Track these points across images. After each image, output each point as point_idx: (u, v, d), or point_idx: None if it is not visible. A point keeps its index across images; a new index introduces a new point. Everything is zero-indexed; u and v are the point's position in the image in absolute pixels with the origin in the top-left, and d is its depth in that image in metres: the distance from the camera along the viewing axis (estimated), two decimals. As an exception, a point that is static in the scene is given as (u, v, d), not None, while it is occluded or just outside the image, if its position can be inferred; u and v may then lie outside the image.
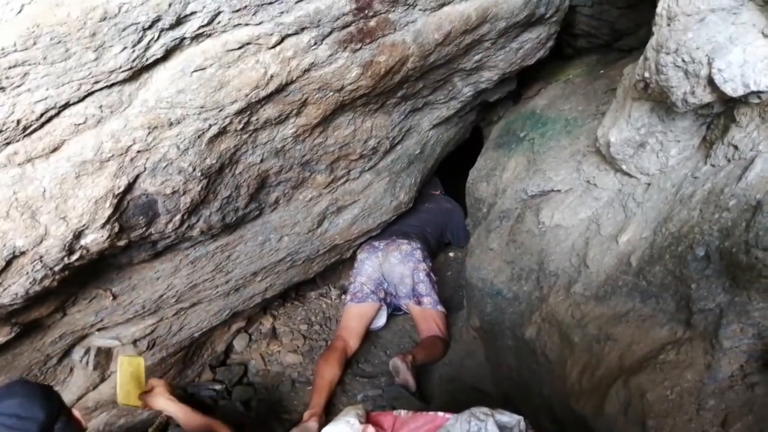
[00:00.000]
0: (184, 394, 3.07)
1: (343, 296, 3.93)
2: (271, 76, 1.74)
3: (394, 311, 3.53)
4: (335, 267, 3.98)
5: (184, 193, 1.92)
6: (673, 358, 1.43)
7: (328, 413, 2.81)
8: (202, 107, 1.68)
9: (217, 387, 3.14)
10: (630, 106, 1.98)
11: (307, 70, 1.84)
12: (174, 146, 1.75)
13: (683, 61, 1.47)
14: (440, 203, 4.11)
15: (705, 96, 1.49)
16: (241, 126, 1.88)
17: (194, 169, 1.87)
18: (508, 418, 1.45)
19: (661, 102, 1.79)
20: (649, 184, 2.02)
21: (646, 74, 1.65)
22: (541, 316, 2.24)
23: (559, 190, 2.61)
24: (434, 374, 3.10)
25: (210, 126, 1.77)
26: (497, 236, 2.92)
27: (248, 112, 1.85)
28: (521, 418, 1.45)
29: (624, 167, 2.10)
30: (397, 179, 3.06)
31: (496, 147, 3.52)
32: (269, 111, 1.92)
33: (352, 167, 2.66)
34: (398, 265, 3.34)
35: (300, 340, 3.46)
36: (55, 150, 1.51)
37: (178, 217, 2.00)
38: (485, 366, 2.88)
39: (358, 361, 3.30)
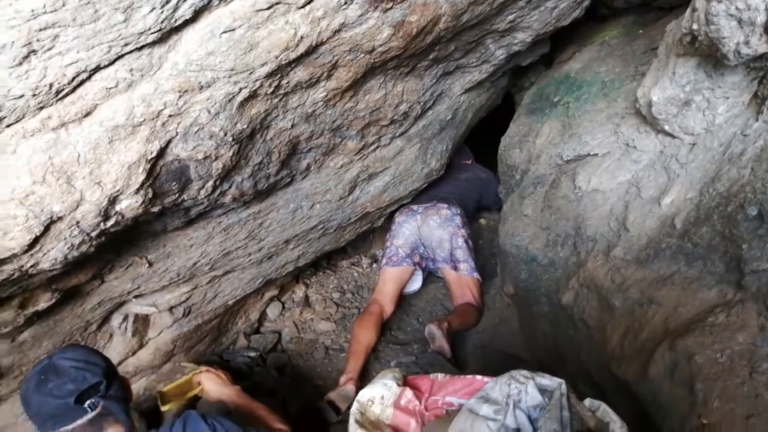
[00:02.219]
0: (219, 361, 3.12)
1: (374, 265, 3.93)
2: (301, 37, 1.69)
3: (428, 276, 3.54)
4: (366, 236, 3.98)
5: (216, 158, 1.91)
6: (723, 320, 1.38)
7: (363, 378, 2.82)
8: (232, 70, 1.65)
9: (252, 354, 3.18)
10: (674, 63, 1.89)
11: (337, 31, 1.79)
12: (205, 110, 1.73)
13: (737, 8, 1.38)
14: (476, 172, 4.10)
15: (761, 46, 1.41)
16: (271, 90, 1.85)
17: (225, 134, 1.85)
18: (548, 381, 1.42)
19: (709, 56, 1.71)
20: (693, 144, 1.94)
21: (695, 26, 1.57)
22: (579, 281, 2.20)
23: (596, 154, 2.53)
24: (468, 341, 3.09)
25: (240, 89, 1.75)
26: (531, 202, 2.86)
27: (278, 75, 1.81)
28: (562, 381, 1.42)
29: (667, 127, 2.02)
30: (428, 146, 3.01)
31: (528, 113, 3.44)
32: (300, 74, 1.89)
33: (383, 133, 2.62)
34: (437, 229, 3.34)
35: (333, 308, 3.48)
36: (87, 114, 1.50)
37: (211, 182, 1.99)
38: (519, 333, 2.86)
39: (391, 328, 3.31)
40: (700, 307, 1.49)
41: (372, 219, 3.29)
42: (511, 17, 2.34)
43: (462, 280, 3.24)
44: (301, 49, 1.74)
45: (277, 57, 1.71)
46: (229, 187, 2.13)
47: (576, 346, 2.15)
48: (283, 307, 3.54)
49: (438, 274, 3.46)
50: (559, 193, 2.68)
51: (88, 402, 1.47)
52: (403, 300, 3.37)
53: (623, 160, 2.33)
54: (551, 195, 2.73)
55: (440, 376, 1.60)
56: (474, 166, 4.19)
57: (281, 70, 1.79)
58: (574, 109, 2.85)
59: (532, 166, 3.09)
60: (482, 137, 4.40)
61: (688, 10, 1.63)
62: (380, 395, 1.48)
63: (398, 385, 1.51)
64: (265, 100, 1.90)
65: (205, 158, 1.88)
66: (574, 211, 2.50)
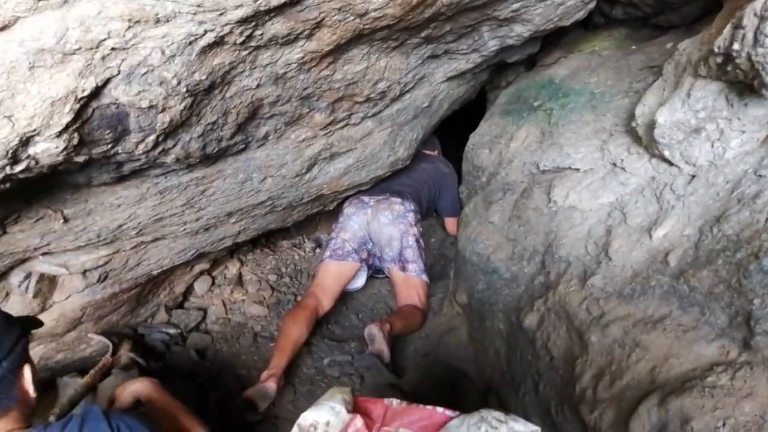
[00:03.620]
0: (133, 335, 2.79)
1: (317, 249, 3.66)
2: (288, -19, 1.42)
3: (374, 274, 3.28)
4: (312, 218, 3.71)
5: (164, 110, 1.60)
6: (726, 383, 1.22)
7: (289, 375, 2.58)
8: (199, 6, 1.35)
9: (171, 331, 2.88)
10: (690, 85, 1.72)
11: (330, -17, 1.52)
12: (158, 50, 1.42)
13: (798, 33, 1.21)
14: (437, 165, 3.79)
15: (817, 80, 1.24)
16: (242, 39, 1.56)
17: (179, 83, 1.55)
18: (523, 427, 1.22)
19: (737, 83, 1.55)
20: (693, 176, 1.79)
21: (735, 46, 1.39)
22: (546, 304, 2.02)
23: (577, 169, 2.37)
24: (409, 346, 2.88)
25: (205, 32, 1.45)
26: (499, 209, 2.68)
27: (253, 23, 1.52)
28: (538, 429, 1.23)
29: (666, 153, 1.86)
30: (399, 132, 2.77)
31: (503, 113, 3.26)
32: (278, 26, 1.60)
33: (355, 110, 2.35)
34: (388, 226, 3.07)
35: (267, 291, 3.20)
36: (4, 28, 1.17)
37: (153, 137, 1.68)
38: (467, 346, 2.68)
39: (328, 321, 3.07)
40: (697, 362, 1.33)
41: (325, 202, 3.03)
42: (515, 6, 2.13)
43: (409, 282, 3.03)
44: (286, -5, 1.46)
45: (255, 0, 1.42)
46: (174, 146, 1.83)
47: (534, 374, 1.98)
48: (213, 283, 3.23)
49: (386, 273, 3.21)
50: (531, 204, 2.50)
51: None
52: (343, 293, 3.12)
53: (608, 179, 2.17)
54: (521, 205, 2.56)
55: (395, 402, 1.38)
56: (437, 158, 3.90)
57: (258, 18, 1.51)
58: (558, 117, 2.68)
59: (503, 170, 2.91)
60: (447, 130, 4.21)
61: (728, 27, 1.45)
62: (325, 421, 1.24)
63: (348, 410, 1.27)
64: (232, 51, 1.61)
65: (150, 107, 1.57)
66: (545, 226, 2.33)
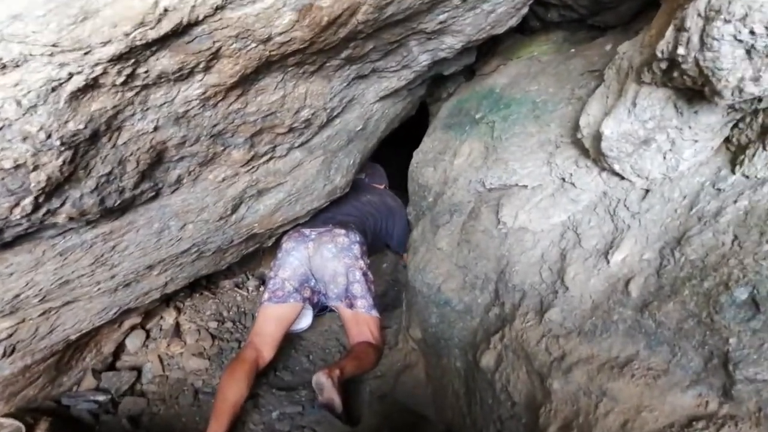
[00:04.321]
0: (56, 408, 2.50)
1: (261, 288, 3.41)
2: (165, 10, 1.20)
3: (320, 311, 3.05)
4: (255, 253, 3.46)
5: (35, 168, 1.36)
6: (709, 443, 1.05)
7: (234, 438, 2.33)
8: (54, 46, 1.12)
9: (100, 398, 2.58)
10: (635, 93, 1.57)
11: (220, 8, 1.31)
12: (11, 101, 1.18)
13: (751, 33, 1.05)
14: (383, 198, 3.57)
15: (776, 85, 1.09)
16: (122, 79, 1.33)
17: (49, 136, 1.31)
18: None
19: (685, 89, 1.39)
20: (647, 191, 1.64)
21: (680, 50, 1.24)
22: (503, 342, 1.84)
23: (525, 186, 2.20)
24: (364, 388, 2.66)
25: (71, 75, 1.22)
26: (446, 234, 2.49)
27: (132, 61, 1.30)
28: None
29: (616, 167, 1.71)
30: (333, 159, 2.56)
31: (445, 128, 3.09)
32: (165, 62, 1.38)
33: (279, 142, 2.14)
34: (332, 261, 2.84)
35: (207, 341, 2.93)
36: None
37: (29, 199, 1.43)
38: (425, 385, 2.47)
39: (276, 368, 2.82)
40: (673, 416, 1.16)
41: (261, 240, 2.79)
42: (442, 17, 1.95)
43: (359, 318, 2.80)
44: (166, 27, 1.24)
45: (127, 35, 1.20)
46: (62, 205, 1.58)
47: (496, 420, 1.79)
48: (148, 337, 2.95)
49: (333, 309, 2.98)
50: (479, 226, 2.33)
51: None
52: (289, 336, 2.87)
53: (558, 197, 2.01)
54: (470, 227, 2.38)
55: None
56: (385, 192, 3.68)
57: (136, 54, 1.28)
58: (500, 130, 2.51)
59: (448, 189, 2.73)
60: (390, 149, 4.02)
61: (670, 29, 1.29)
62: None
63: None
64: (112, 93, 1.37)
65: (16, 167, 1.32)
66: (497, 250, 2.16)
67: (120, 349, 2.87)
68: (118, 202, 1.75)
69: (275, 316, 2.68)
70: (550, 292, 1.76)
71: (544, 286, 1.81)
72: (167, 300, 3.09)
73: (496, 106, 2.70)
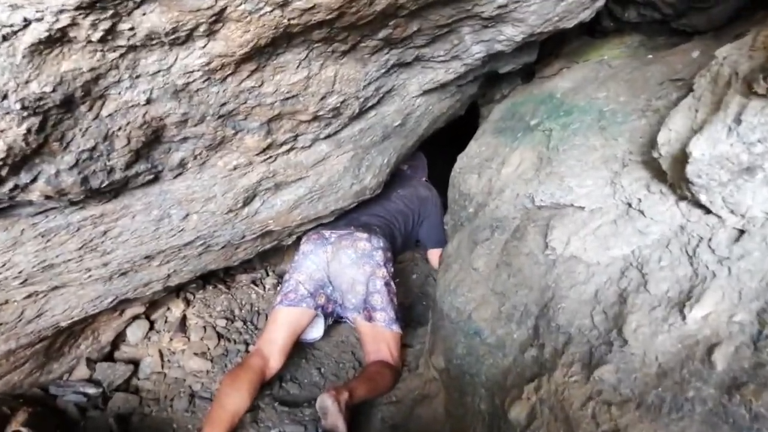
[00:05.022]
0: (42, 397, 2.31)
1: (279, 287, 3.16)
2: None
3: (336, 321, 2.77)
4: (277, 248, 3.22)
5: (-10, 135, 1.13)
6: None
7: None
8: (-1, -19, 0.88)
9: (90, 390, 2.39)
10: (740, 107, 1.24)
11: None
12: (-53, 49, 0.95)
13: None
14: (417, 189, 3.25)
15: None
16: (98, 35, 1.08)
17: (4, 97, 1.07)
18: None
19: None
20: (742, 231, 1.30)
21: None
22: (539, 393, 1.53)
23: (581, 207, 1.88)
24: (375, 413, 2.37)
25: (27, 22, 0.97)
26: (485, 252, 2.18)
27: (110, 12, 1.05)
28: None
29: (703, 197, 1.37)
30: (364, 156, 2.28)
31: (495, 132, 2.78)
32: (154, 19, 1.12)
33: (302, 131, 1.87)
34: (350, 267, 2.57)
35: (213, 340, 2.70)
36: None
37: (-13, 172, 1.20)
38: (443, 421, 2.17)
39: (283, 378, 2.57)
40: None
41: (278, 237, 2.54)
42: (503, 0, 1.65)
43: (378, 333, 2.52)
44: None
45: (99, -25, 0.95)
46: (33, 180, 1.35)
47: (523, 487, 1.48)
48: (152, 328, 2.74)
49: (350, 322, 2.70)
50: (523, 248, 2.01)
51: None
52: (301, 343, 2.61)
53: (621, 225, 1.68)
54: (512, 248, 2.07)
55: None
56: (418, 182, 3.36)
57: (113, 3, 1.03)
58: (558, 140, 2.19)
59: (492, 201, 2.42)
60: (433, 149, 3.72)
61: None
62: None
63: None
64: (89, 53, 1.13)
65: (-38, 132, 1.09)
66: (541, 279, 1.84)
67: (121, 338, 2.67)
68: (106, 183, 1.52)
69: (287, 320, 2.43)
70: (602, 343, 1.44)
71: (596, 333, 1.49)
72: (178, 290, 2.88)
73: (556, 112, 2.38)
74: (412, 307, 3.18)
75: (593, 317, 1.55)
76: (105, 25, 1.07)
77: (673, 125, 1.54)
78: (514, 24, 1.85)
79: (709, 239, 1.37)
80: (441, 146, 3.93)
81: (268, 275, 3.28)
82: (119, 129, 1.39)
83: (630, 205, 1.70)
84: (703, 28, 2.30)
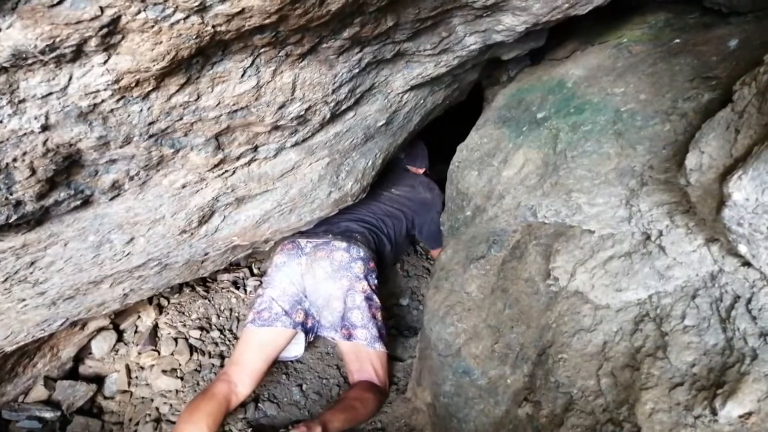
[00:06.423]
0: (-6, 423, 2.11)
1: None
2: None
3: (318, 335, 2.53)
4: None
5: None
6: None
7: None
8: None
9: (47, 414, 2.18)
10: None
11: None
12: None
13: None
14: (416, 189, 2.93)
15: None
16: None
17: None
18: None
19: None
20: (793, 298, 1.02)
21: None
22: (534, 469, 1.28)
23: (590, 231, 1.60)
24: (357, 443, 2.16)
25: None
26: (479, 273, 1.92)
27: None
28: None
29: (743, 249, 1.09)
30: (343, 161, 2.00)
31: (498, 121, 2.48)
32: (16, 35, 0.85)
33: (262, 142, 1.59)
34: (326, 281, 2.31)
35: (185, 354, 2.47)
36: None
37: None
38: (430, 463, 1.95)
39: (259, 397, 2.34)
40: None
41: (251, 248, 2.27)
42: (497, -12, 1.34)
43: (360, 351, 2.27)
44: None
45: None
46: None
47: None
48: (120, 339, 2.52)
49: (329, 339, 2.45)
50: (523, 271, 1.75)
51: None
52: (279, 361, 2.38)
53: (637, 260, 1.41)
54: (510, 270, 1.80)
55: None
56: (420, 179, 3.04)
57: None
58: (567, 143, 1.90)
59: (491, 207, 2.14)
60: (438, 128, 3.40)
61: None
62: None
63: None
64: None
65: None
66: (541, 315, 1.58)
67: (86, 350, 2.45)
68: (15, 217, 1.26)
69: (258, 343, 2.19)
70: (609, 420, 1.18)
71: (602, 403, 1.23)
72: (152, 297, 2.64)
73: (566, 107, 2.07)
74: (407, 309, 2.93)
75: (599, 378, 1.29)
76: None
77: (706, 147, 1.25)
78: (514, 13, 1.54)
79: (749, 300, 1.10)
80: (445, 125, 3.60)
81: (252, 274, 3.03)
82: (14, 160, 1.12)
83: (648, 236, 1.42)
84: (742, 9, 1.96)
